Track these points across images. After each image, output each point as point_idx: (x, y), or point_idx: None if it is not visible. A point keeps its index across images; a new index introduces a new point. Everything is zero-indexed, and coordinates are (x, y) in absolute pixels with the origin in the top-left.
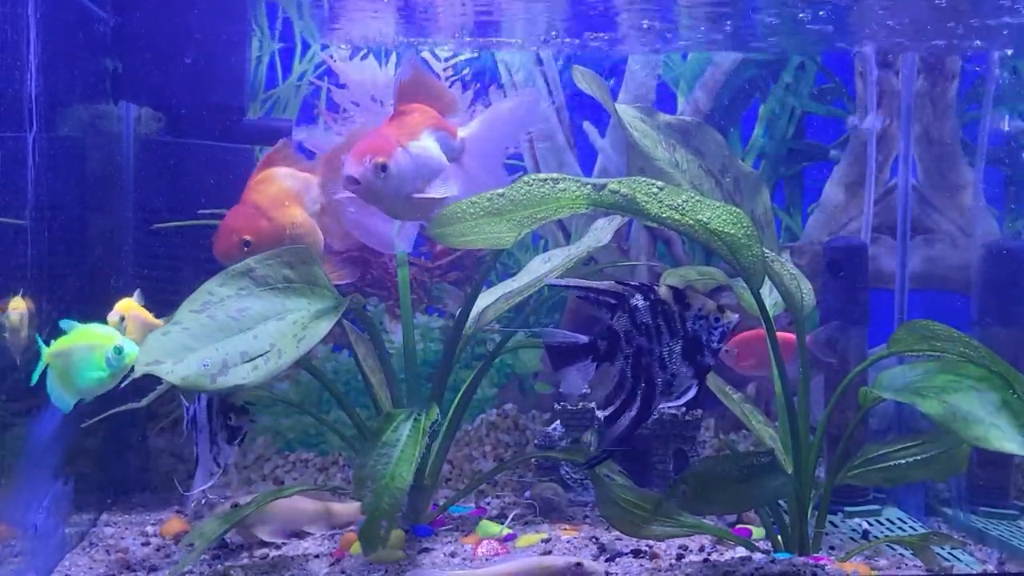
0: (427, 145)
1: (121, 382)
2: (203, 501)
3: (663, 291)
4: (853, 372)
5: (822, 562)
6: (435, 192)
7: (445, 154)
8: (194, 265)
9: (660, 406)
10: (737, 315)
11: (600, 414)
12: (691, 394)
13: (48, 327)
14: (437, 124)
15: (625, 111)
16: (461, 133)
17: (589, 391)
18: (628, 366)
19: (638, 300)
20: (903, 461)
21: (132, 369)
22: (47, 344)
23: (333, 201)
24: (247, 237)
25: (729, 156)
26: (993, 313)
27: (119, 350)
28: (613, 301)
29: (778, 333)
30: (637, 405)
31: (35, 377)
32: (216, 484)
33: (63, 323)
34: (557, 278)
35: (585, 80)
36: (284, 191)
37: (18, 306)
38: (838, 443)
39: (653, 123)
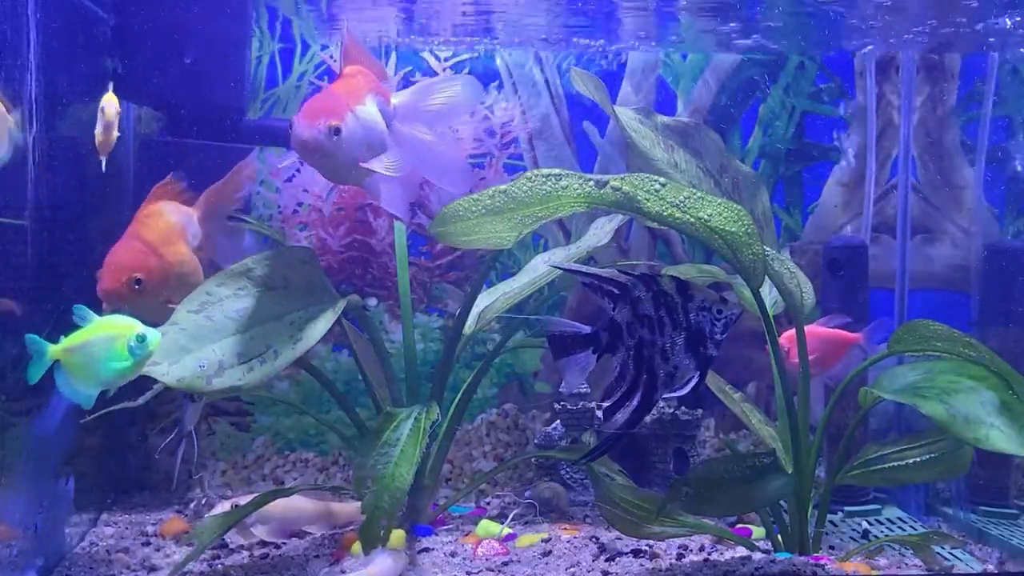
0: (371, 111)
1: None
2: (203, 501)
3: (666, 282)
4: (853, 372)
5: (822, 562)
6: (378, 166)
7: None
8: None
9: (662, 396)
10: (740, 307)
11: (599, 412)
12: (693, 383)
13: (47, 327)
14: (377, 89)
15: (623, 112)
16: (394, 100)
17: (588, 389)
18: (630, 358)
19: (641, 291)
20: (904, 463)
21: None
22: (53, 341)
23: (209, 237)
24: (138, 275)
25: (727, 157)
26: (993, 313)
27: (142, 338)
28: (616, 292)
29: (840, 331)
30: (638, 397)
31: (35, 376)
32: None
33: (76, 308)
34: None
35: (583, 82)
36: (171, 226)
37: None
38: (838, 443)
39: (651, 124)
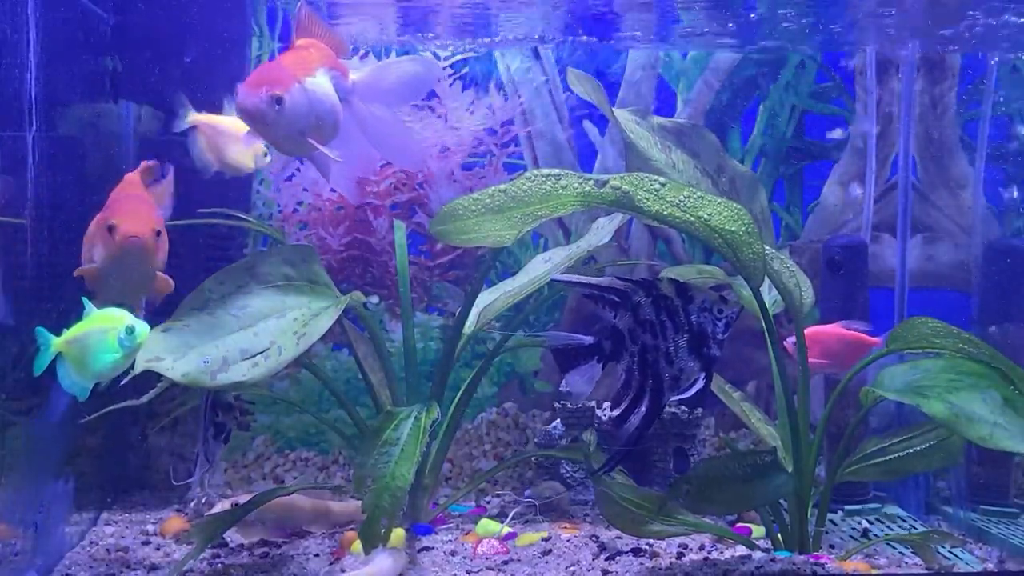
0: (322, 83)
1: (122, 379)
2: (203, 500)
3: (664, 285)
4: (853, 370)
5: (822, 560)
6: (328, 152)
7: (337, 93)
8: (194, 263)
9: (670, 400)
10: (740, 306)
11: (601, 413)
12: (699, 385)
13: (48, 325)
14: (332, 63)
15: (621, 114)
16: (353, 76)
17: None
18: (634, 364)
19: (640, 297)
20: (901, 454)
21: (132, 366)
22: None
23: None
24: (159, 228)
25: (724, 157)
26: (993, 311)
27: (131, 330)
28: (616, 299)
29: (861, 335)
30: (646, 403)
31: (40, 366)
32: (209, 480)
33: (84, 301)
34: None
35: (580, 83)
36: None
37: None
38: (838, 441)
39: (647, 125)
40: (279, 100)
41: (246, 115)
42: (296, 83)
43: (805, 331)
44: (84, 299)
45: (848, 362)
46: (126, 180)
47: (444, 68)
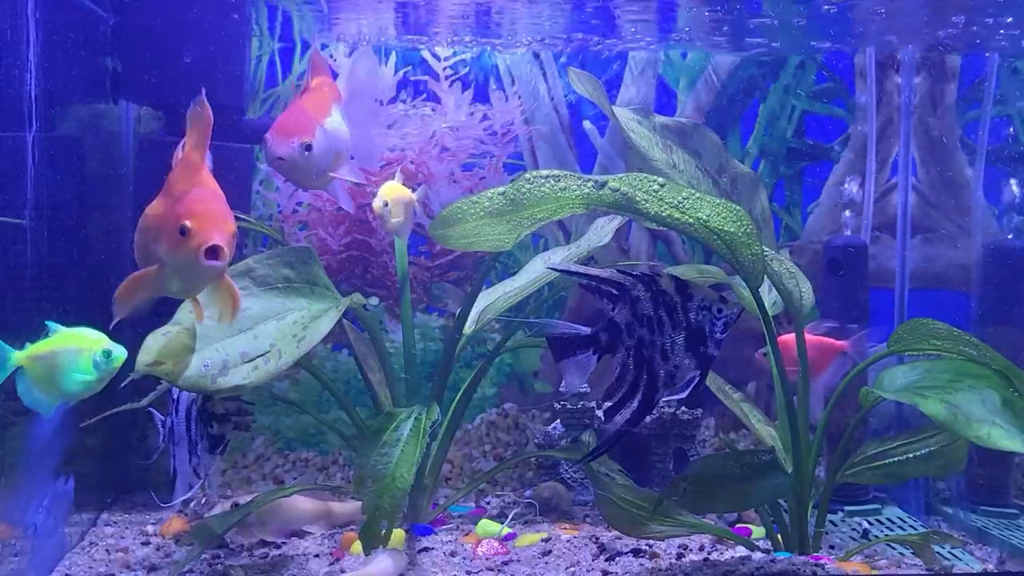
0: (336, 120)
1: (121, 382)
2: (203, 500)
3: (665, 282)
4: (853, 371)
5: (822, 561)
6: (345, 174)
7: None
8: None
9: (663, 398)
10: (740, 307)
11: (600, 414)
12: (694, 384)
13: (45, 328)
14: (338, 96)
15: (622, 113)
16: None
17: (588, 389)
18: (630, 358)
19: (640, 291)
20: (902, 458)
21: (132, 370)
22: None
23: None
24: (235, 229)
25: (726, 156)
26: (993, 312)
27: (107, 353)
28: (615, 292)
29: (826, 339)
30: (639, 398)
31: None
32: (208, 484)
33: (49, 324)
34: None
35: (581, 83)
36: None
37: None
38: (838, 442)
39: (649, 124)
40: (308, 147)
41: (279, 164)
42: (319, 127)
43: (780, 338)
44: (48, 323)
45: (817, 368)
46: (188, 164)
47: (444, 68)
